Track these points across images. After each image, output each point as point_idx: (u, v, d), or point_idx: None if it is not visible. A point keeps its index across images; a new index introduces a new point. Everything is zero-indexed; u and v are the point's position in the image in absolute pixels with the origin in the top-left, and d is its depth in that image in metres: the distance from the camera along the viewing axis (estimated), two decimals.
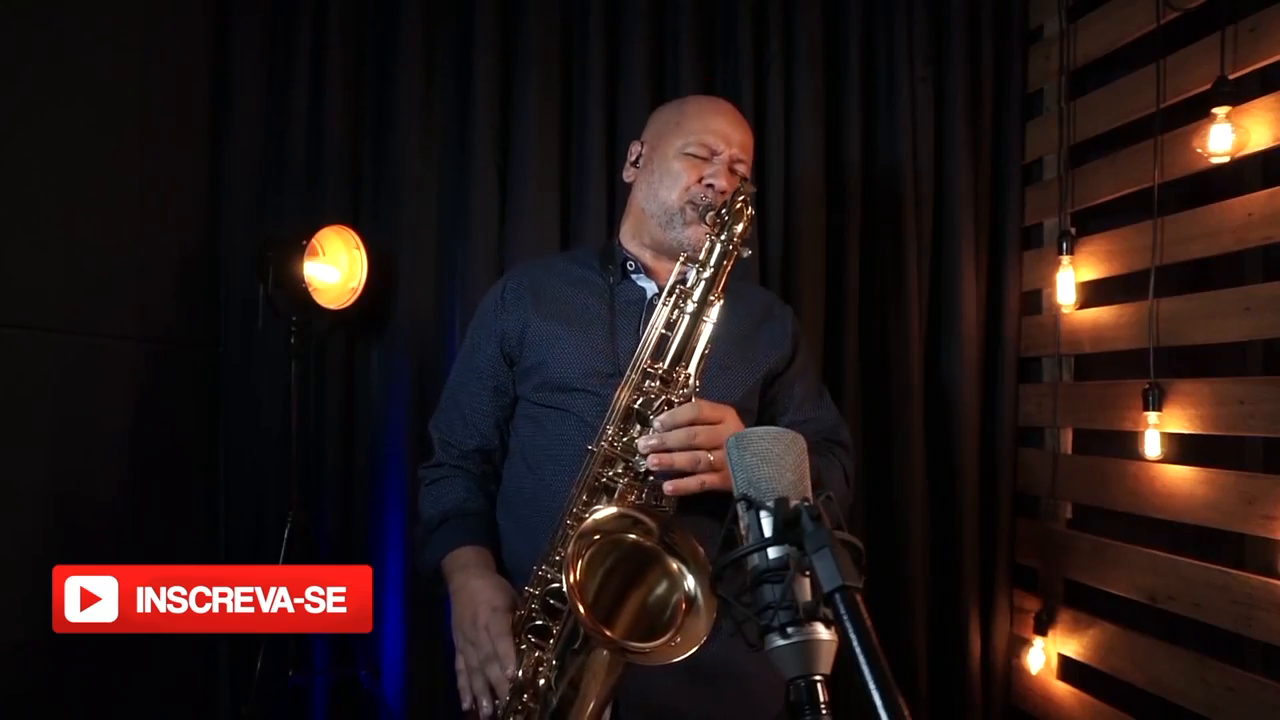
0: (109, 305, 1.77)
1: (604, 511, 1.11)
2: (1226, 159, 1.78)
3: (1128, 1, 2.09)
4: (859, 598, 0.63)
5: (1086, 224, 2.27)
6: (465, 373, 1.46)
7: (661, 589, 1.08)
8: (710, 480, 1.15)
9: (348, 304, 2.13)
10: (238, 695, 2.14)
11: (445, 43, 2.26)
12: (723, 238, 1.21)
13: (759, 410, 1.42)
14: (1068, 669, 2.26)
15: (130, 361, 1.84)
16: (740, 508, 0.75)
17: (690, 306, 1.19)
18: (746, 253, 1.23)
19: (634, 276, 1.42)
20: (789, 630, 0.67)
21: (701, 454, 1.14)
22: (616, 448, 1.17)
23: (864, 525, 2.35)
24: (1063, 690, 2.24)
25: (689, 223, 1.35)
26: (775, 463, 0.75)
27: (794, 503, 0.71)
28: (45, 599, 1.55)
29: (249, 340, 2.18)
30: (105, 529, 1.75)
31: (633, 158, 1.49)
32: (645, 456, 1.14)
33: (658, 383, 1.18)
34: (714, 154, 1.38)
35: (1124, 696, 2.06)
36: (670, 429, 1.14)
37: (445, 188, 2.27)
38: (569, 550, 1.05)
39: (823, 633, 0.66)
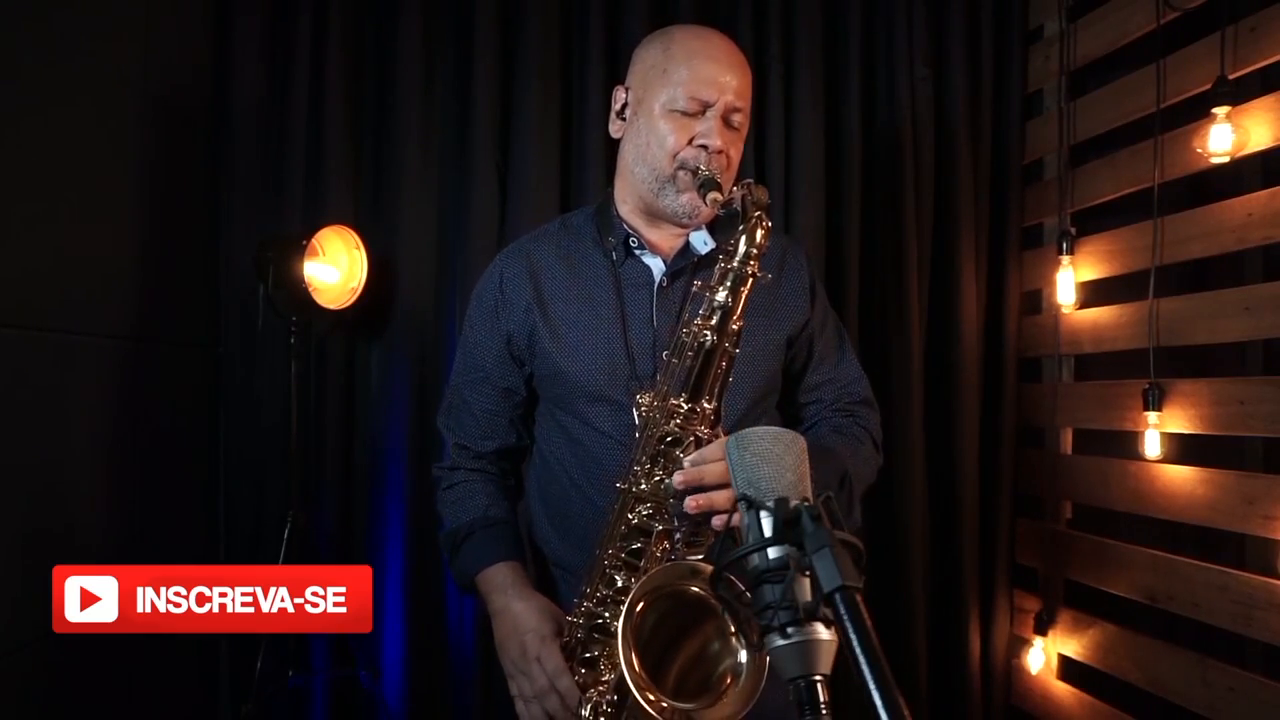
0: (109, 305, 1.78)
1: (651, 574, 1.06)
2: (1226, 159, 1.78)
3: (1128, 1, 2.09)
4: (859, 598, 0.63)
5: (1086, 224, 2.27)
6: (470, 370, 1.38)
7: (714, 644, 1.05)
8: None
9: (348, 304, 2.13)
10: (238, 695, 2.14)
11: (445, 43, 2.26)
12: (736, 263, 1.11)
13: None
14: (1068, 669, 2.26)
15: (130, 361, 1.84)
16: (740, 507, 0.75)
17: (710, 340, 1.10)
18: (766, 277, 1.12)
19: (638, 253, 1.31)
20: (789, 630, 0.66)
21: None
22: (646, 487, 1.13)
23: (864, 525, 2.34)
24: (1063, 690, 2.24)
25: (682, 189, 1.25)
26: (775, 463, 0.75)
27: (794, 503, 0.71)
28: (45, 599, 1.55)
29: (249, 340, 2.18)
30: (105, 529, 1.75)
31: (618, 106, 1.33)
32: (676, 498, 1.08)
33: (681, 419, 1.11)
34: (705, 106, 1.23)
35: (1124, 696, 2.06)
36: (704, 466, 1.07)
37: (445, 188, 2.28)
38: (619, 640, 1.00)
39: (823, 633, 0.66)
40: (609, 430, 1.26)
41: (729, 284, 1.11)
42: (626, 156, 1.32)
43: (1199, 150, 1.81)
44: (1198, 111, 1.83)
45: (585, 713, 1.11)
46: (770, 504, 0.72)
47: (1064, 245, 2.23)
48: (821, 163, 2.32)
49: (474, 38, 2.22)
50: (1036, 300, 2.43)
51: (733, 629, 1.02)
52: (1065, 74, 2.28)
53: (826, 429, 1.38)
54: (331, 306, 2.10)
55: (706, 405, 1.11)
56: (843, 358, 1.43)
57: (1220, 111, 1.75)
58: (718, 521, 1.07)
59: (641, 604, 1.02)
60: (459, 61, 2.25)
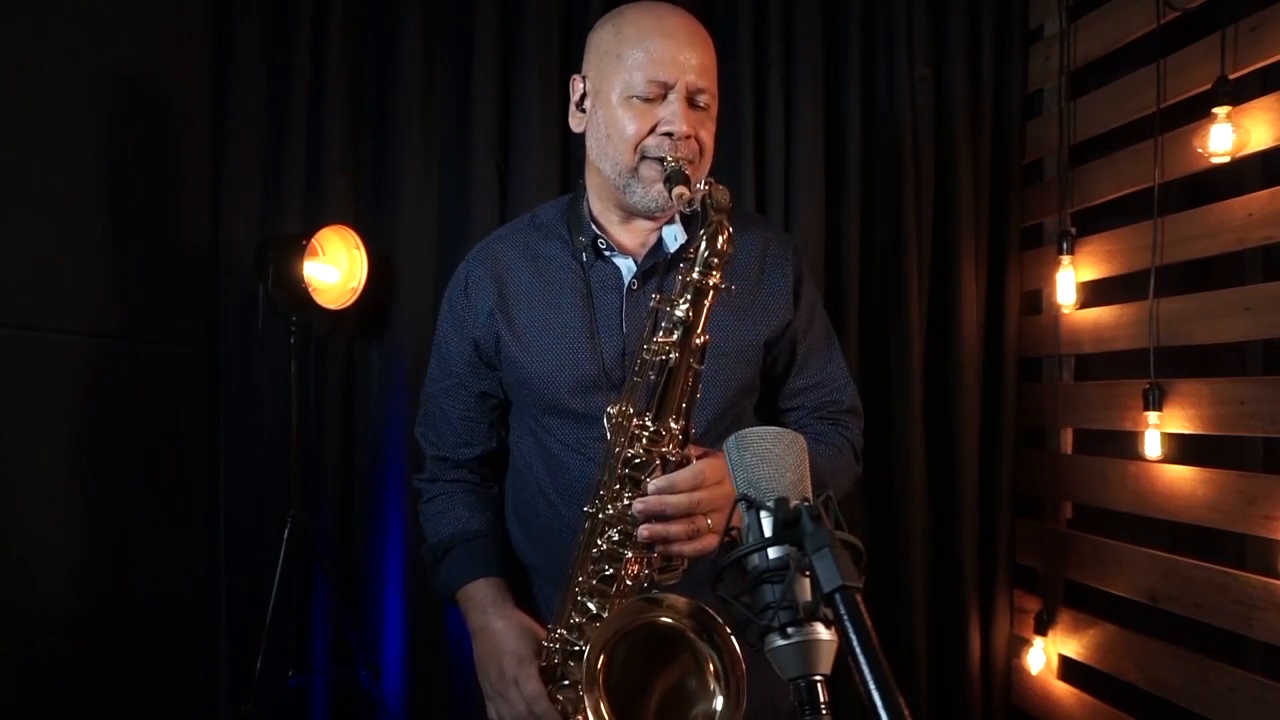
0: (109, 304, 1.77)
1: (616, 612, 1.02)
2: (1226, 159, 1.78)
3: (1128, 1, 2.09)
4: (859, 598, 0.63)
5: (1086, 224, 2.27)
6: (444, 377, 1.35)
7: (690, 681, 1.00)
8: (713, 543, 1.04)
9: (348, 304, 2.13)
10: (238, 695, 2.14)
11: (445, 43, 2.26)
12: (695, 275, 1.04)
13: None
14: (1068, 669, 2.26)
15: (130, 361, 1.84)
16: (740, 507, 0.74)
17: (672, 358, 1.04)
18: (730, 288, 1.06)
19: (607, 254, 1.25)
20: (789, 630, 0.66)
21: (701, 522, 1.04)
22: (613, 511, 1.08)
23: (864, 525, 2.35)
24: (1063, 690, 2.24)
25: (648, 181, 1.16)
26: (775, 463, 0.75)
27: (794, 503, 0.71)
28: (45, 599, 1.55)
29: (249, 340, 2.18)
30: (105, 528, 1.75)
31: (576, 97, 1.25)
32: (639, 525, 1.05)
33: (646, 440, 1.06)
34: (666, 89, 1.14)
35: (1124, 696, 2.06)
36: (668, 494, 1.03)
37: (445, 188, 2.28)
38: (585, 667, 0.96)
39: (823, 633, 0.66)
40: (575, 441, 1.23)
41: (689, 297, 1.05)
42: (590, 151, 1.24)
43: (1199, 150, 1.81)
44: (1198, 111, 1.83)
45: None
46: (770, 504, 0.72)
47: (1064, 245, 2.23)
48: (821, 163, 2.33)
49: (474, 37, 2.22)
50: (1036, 300, 2.43)
51: (712, 669, 0.97)
52: (1065, 74, 2.28)
53: (807, 436, 1.34)
54: (331, 306, 2.10)
55: (674, 425, 1.06)
56: (829, 362, 1.36)
57: (1220, 111, 1.75)
58: (665, 549, 1.05)
59: (602, 657, 0.98)
60: (459, 61, 2.25)
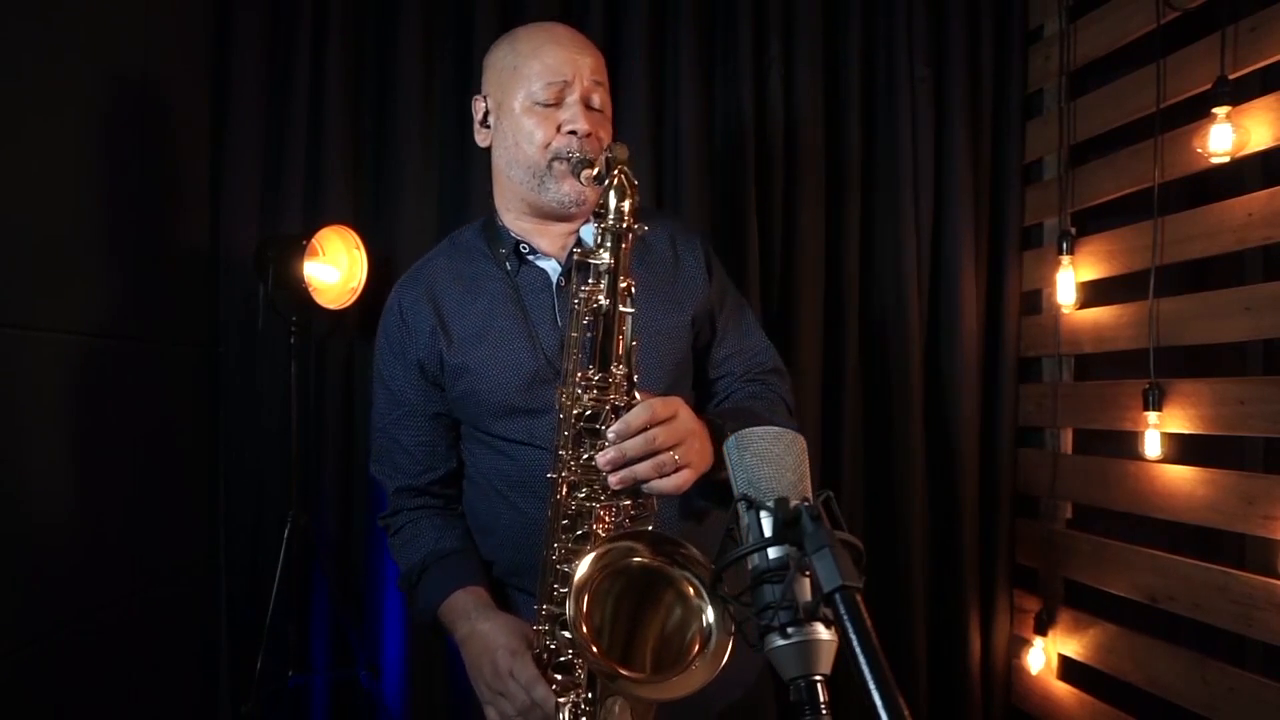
0: (109, 305, 1.77)
1: (589, 556, 1.01)
2: (1226, 159, 1.78)
3: (1128, 1, 2.09)
4: (859, 598, 0.63)
5: (1086, 224, 2.27)
6: (394, 408, 1.35)
7: (677, 609, 1.01)
8: (688, 478, 1.09)
9: (348, 304, 2.13)
10: (238, 695, 2.14)
11: (445, 42, 2.26)
12: (610, 221, 1.09)
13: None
14: (1068, 669, 2.26)
15: (130, 361, 1.84)
16: (740, 508, 0.75)
17: (604, 303, 1.08)
18: (643, 229, 1.10)
19: (531, 259, 1.31)
20: (789, 630, 0.67)
21: (665, 457, 1.07)
22: (576, 471, 1.10)
23: (864, 525, 2.35)
24: (1063, 690, 2.25)
25: (560, 177, 1.24)
26: (775, 463, 0.75)
27: (794, 503, 0.71)
28: (45, 599, 1.55)
29: (249, 340, 2.18)
30: (105, 529, 1.75)
31: (479, 116, 1.34)
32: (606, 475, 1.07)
33: (595, 391, 1.09)
34: (564, 91, 1.24)
35: (1124, 696, 2.06)
36: (626, 438, 1.06)
37: (445, 188, 2.27)
38: (570, 610, 0.97)
39: (823, 633, 0.66)
40: (528, 435, 1.25)
41: (609, 244, 1.09)
42: (499, 163, 1.32)
43: (1199, 150, 1.81)
44: (1198, 111, 1.83)
45: (564, 717, 1.07)
46: (770, 504, 0.72)
47: (1064, 245, 2.23)
48: (822, 162, 2.33)
49: (474, 38, 2.22)
50: (1036, 300, 2.43)
51: (692, 590, 0.99)
52: (1065, 74, 2.28)
53: (742, 396, 1.38)
54: (331, 306, 2.10)
55: (617, 371, 1.09)
56: (747, 329, 1.43)
57: (1220, 111, 1.75)
58: (648, 487, 1.08)
59: (601, 567, 0.99)
60: (459, 61, 2.25)
